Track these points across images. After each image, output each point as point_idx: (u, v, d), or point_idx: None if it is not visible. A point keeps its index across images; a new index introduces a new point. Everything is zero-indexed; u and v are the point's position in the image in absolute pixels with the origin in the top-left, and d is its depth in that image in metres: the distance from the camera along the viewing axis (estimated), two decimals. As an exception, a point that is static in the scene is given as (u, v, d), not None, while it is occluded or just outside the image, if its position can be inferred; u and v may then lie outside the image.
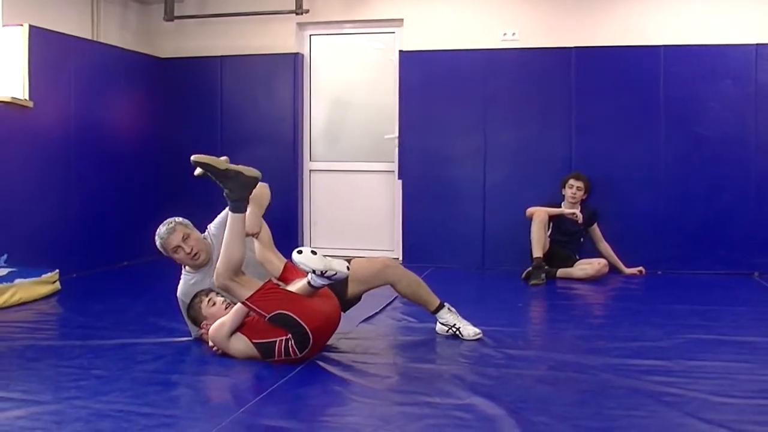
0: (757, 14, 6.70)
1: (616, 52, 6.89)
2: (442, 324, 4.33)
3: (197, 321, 4.05)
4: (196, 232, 4.33)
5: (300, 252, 3.60)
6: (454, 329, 4.28)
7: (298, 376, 3.54)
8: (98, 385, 3.40)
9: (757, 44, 6.63)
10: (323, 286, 3.69)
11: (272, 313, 3.58)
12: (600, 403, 3.18)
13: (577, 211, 6.57)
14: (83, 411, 3.05)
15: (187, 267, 4.32)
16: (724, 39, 6.70)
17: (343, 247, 7.47)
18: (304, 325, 3.59)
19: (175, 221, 4.30)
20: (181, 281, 4.33)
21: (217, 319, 3.84)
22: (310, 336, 3.61)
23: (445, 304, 4.35)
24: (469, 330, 4.27)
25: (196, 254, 4.22)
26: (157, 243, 4.26)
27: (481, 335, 4.26)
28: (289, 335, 3.61)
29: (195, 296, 4.07)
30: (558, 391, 3.34)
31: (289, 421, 3.00)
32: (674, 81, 6.77)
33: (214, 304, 3.95)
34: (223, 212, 4.39)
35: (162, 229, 4.26)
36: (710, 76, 6.73)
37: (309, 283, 3.66)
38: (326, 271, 3.58)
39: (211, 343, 3.87)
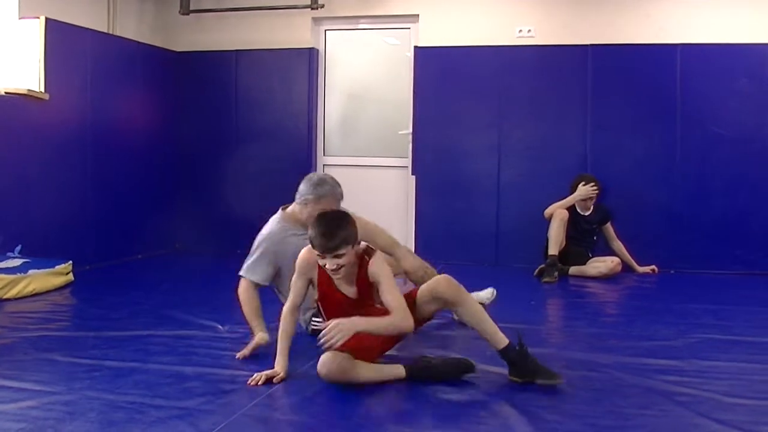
0: (776, 13, 6.66)
1: (633, 51, 6.85)
2: None
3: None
4: None
5: None
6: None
7: (310, 370, 3.54)
8: (111, 377, 3.42)
9: (775, 43, 6.59)
10: None
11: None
12: (613, 401, 3.17)
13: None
14: (96, 402, 3.06)
15: (291, 225, 4.10)
16: (741, 38, 6.66)
17: (356, 243, 7.46)
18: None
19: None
20: (274, 225, 4.13)
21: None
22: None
23: None
24: (483, 295, 4.56)
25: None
26: (336, 190, 4.02)
27: (495, 292, 4.67)
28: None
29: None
30: (570, 390, 3.33)
31: (300, 415, 3.01)
32: (691, 79, 6.74)
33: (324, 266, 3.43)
34: None
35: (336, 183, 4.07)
36: (727, 74, 6.69)
37: None
38: None
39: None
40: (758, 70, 6.63)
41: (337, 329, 3.21)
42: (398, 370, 3.38)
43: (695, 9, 6.80)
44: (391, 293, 3.42)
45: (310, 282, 3.57)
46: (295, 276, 3.58)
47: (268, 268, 4.09)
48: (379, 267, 3.46)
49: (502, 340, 3.39)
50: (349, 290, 3.51)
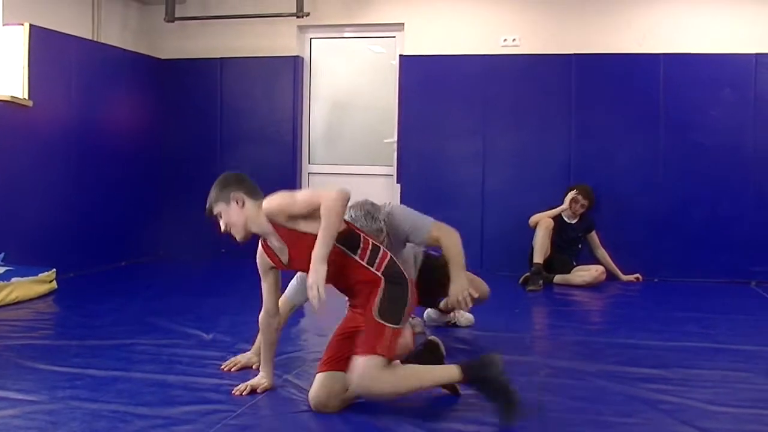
0: (757, 24, 6.72)
1: (616, 60, 6.90)
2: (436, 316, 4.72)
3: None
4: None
5: None
6: (452, 320, 4.67)
7: (293, 379, 3.53)
8: (94, 385, 3.40)
9: (756, 54, 6.64)
10: None
11: None
12: (596, 410, 3.18)
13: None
14: (79, 411, 3.05)
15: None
16: (723, 48, 6.72)
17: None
18: None
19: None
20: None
21: None
22: None
23: None
24: (463, 319, 4.69)
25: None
26: (371, 226, 3.84)
27: (473, 321, 4.74)
28: None
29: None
30: (554, 398, 3.34)
31: (284, 425, 2.99)
32: (674, 89, 6.79)
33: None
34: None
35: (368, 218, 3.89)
36: (710, 84, 6.75)
37: None
38: None
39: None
40: (741, 80, 6.69)
41: (312, 286, 2.95)
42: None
43: (679, 19, 6.86)
44: (303, 203, 3.09)
45: (275, 276, 3.34)
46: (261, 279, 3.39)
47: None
48: (268, 206, 3.16)
49: (456, 375, 3.11)
50: (283, 254, 3.22)
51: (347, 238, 3.13)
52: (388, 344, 3.02)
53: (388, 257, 3.18)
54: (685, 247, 6.78)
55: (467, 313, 4.67)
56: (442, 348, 3.40)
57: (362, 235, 3.21)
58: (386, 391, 3.04)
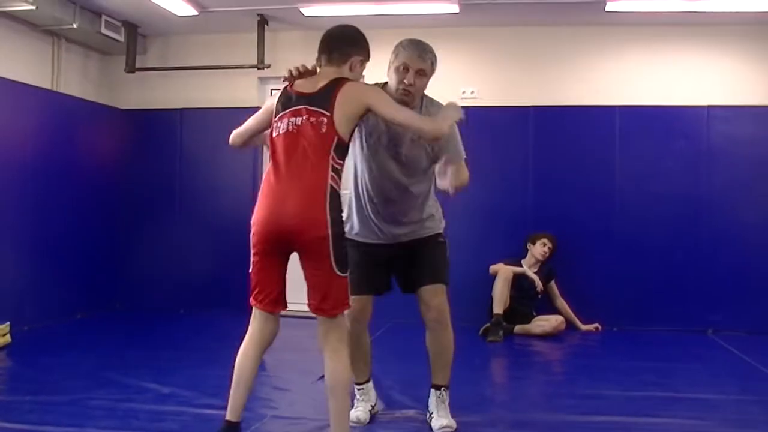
0: (708, 78, 6.90)
1: (572, 112, 7.02)
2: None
3: None
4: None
5: None
6: (429, 415, 3.69)
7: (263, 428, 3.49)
8: (48, 443, 3.32)
9: (708, 106, 6.81)
10: None
11: None
12: (557, 461, 3.18)
13: (537, 280, 6.60)
14: (31, 470, 2.97)
15: None
16: (676, 101, 6.88)
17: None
18: None
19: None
20: None
21: None
22: None
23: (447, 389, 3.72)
24: (437, 423, 3.59)
25: (409, 92, 3.70)
26: (403, 49, 3.68)
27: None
28: None
29: None
30: (515, 450, 3.34)
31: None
32: (629, 140, 6.91)
33: None
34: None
35: (413, 44, 3.70)
36: (664, 136, 6.89)
37: None
38: None
39: None
40: (694, 132, 6.84)
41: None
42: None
43: (632, 73, 7.01)
44: None
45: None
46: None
47: None
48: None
49: None
50: None
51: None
52: None
53: None
54: (643, 297, 6.84)
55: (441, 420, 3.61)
56: None
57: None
58: None
